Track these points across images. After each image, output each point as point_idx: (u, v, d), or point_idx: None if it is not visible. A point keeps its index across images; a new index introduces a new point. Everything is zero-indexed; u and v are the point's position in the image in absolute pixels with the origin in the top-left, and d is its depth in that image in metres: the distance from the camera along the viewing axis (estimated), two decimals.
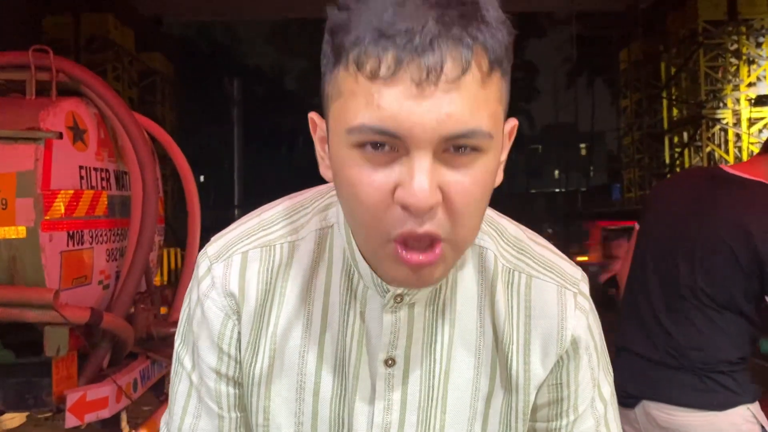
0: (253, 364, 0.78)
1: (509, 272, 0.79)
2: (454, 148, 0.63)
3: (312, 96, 37.62)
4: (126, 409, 4.15)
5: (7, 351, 3.70)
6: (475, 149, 0.64)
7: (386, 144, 0.62)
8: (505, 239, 0.82)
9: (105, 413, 3.76)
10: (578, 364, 0.80)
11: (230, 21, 27.54)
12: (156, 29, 16.99)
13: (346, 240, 0.77)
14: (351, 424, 0.77)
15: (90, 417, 3.68)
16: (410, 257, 0.65)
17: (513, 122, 0.75)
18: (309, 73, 35.89)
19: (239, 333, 0.78)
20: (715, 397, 1.91)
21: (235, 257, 0.78)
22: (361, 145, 0.63)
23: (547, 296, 0.79)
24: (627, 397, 2.02)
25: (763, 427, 1.91)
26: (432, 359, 0.78)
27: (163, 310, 4.92)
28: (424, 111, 0.60)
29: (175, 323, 4.81)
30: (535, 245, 0.83)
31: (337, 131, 0.65)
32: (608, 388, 0.84)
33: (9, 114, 3.71)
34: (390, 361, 0.76)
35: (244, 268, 0.77)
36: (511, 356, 0.78)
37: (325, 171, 0.73)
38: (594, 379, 0.82)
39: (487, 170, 0.66)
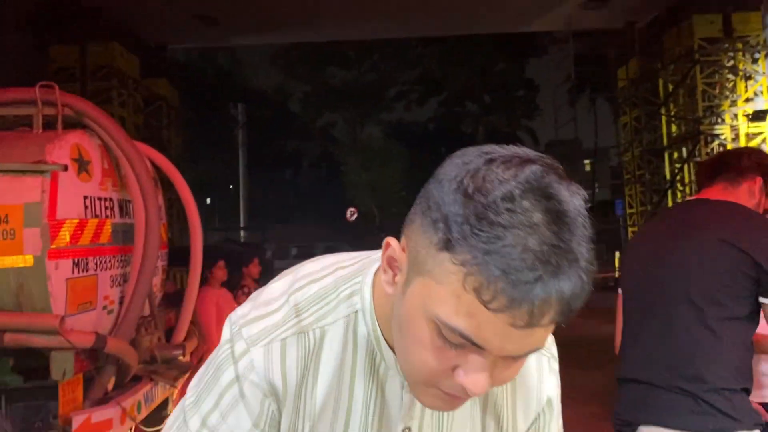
0: None
1: None
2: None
3: (316, 119, 37.91)
4: (130, 430, 4.26)
5: (16, 375, 3.82)
6: None
7: None
8: None
9: None
10: (551, 417, 0.98)
11: (233, 46, 27.92)
12: (160, 56, 17.27)
13: (371, 327, 0.88)
14: None
15: None
16: (451, 397, 0.78)
17: None
18: (312, 97, 36.21)
19: (274, 411, 0.89)
20: (711, 421, 1.90)
21: (275, 345, 0.87)
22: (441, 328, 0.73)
23: (527, 362, 0.93)
24: (624, 425, 2.07)
25: None
26: (440, 424, 0.91)
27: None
28: (512, 340, 0.70)
29: (178, 346, 4.93)
30: None
31: (423, 303, 0.73)
32: None
33: (17, 148, 3.88)
34: (406, 430, 0.90)
35: (284, 356, 0.87)
36: (503, 414, 0.95)
37: (387, 287, 0.82)
38: (560, 428, 1.01)
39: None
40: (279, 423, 0.90)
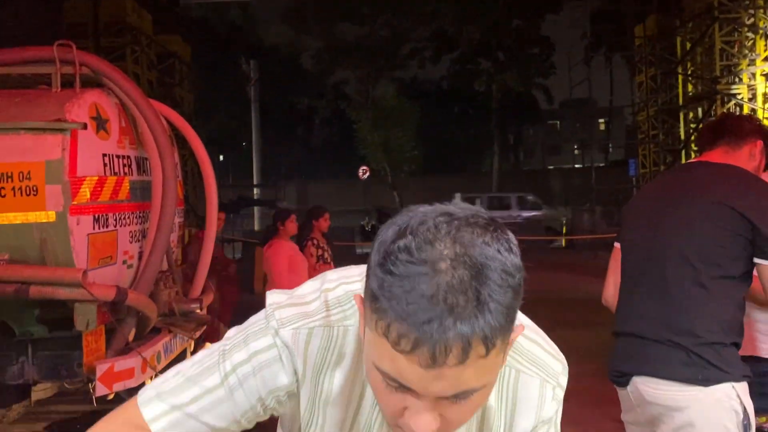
0: (309, 423, 1.00)
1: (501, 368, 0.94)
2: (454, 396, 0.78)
3: (328, 75, 37.62)
4: (151, 379, 4.44)
5: (41, 326, 3.99)
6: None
7: None
8: None
9: (132, 383, 4.04)
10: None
11: (245, 1, 27.64)
12: (172, 11, 17.17)
13: None
14: None
15: (118, 386, 3.97)
16: None
17: (519, 329, 0.84)
18: (324, 53, 35.87)
19: (297, 389, 0.98)
20: (701, 372, 1.98)
21: (303, 331, 0.96)
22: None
23: (531, 390, 0.98)
24: (620, 376, 2.17)
25: (745, 408, 1.97)
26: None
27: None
28: (430, 381, 0.75)
29: (195, 300, 5.09)
30: (525, 341, 0.99)
31: (368, 351, 0.82)
32: None
33: (37, 106, 3.96)
34: None
35: (308, 343, 0.96)
36: None
37: (361, 334, 0.89)
38: None
39: (483, 396, 0.81)
40: (299, 398, 0.99)
